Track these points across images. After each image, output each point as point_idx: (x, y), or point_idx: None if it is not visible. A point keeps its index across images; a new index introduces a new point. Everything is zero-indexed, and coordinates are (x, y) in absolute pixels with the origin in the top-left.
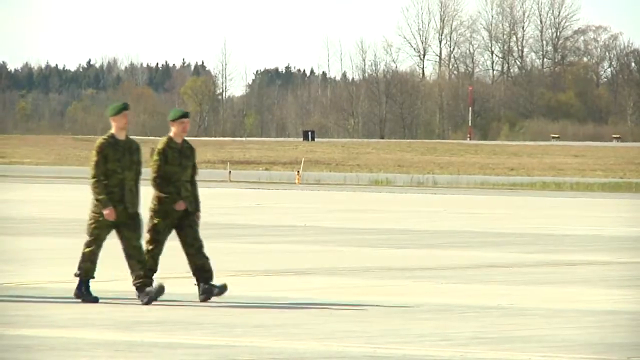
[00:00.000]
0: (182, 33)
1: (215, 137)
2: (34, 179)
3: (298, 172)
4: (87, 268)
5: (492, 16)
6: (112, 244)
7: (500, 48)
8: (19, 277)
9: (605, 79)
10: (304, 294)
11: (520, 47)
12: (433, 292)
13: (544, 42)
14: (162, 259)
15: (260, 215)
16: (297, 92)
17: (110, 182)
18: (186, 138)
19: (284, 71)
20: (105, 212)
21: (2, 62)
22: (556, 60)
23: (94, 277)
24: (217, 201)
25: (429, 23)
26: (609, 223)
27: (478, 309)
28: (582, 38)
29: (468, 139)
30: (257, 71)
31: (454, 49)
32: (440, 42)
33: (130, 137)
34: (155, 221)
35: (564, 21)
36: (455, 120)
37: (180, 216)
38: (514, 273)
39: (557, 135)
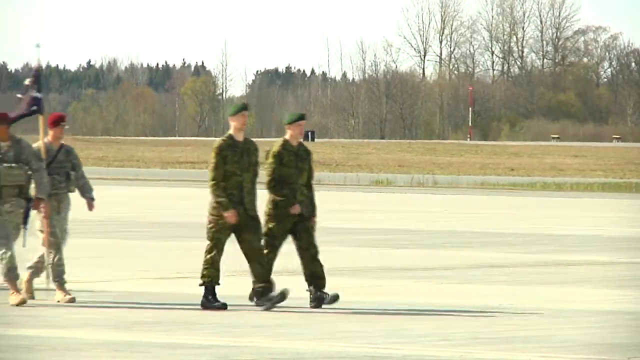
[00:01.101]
0: (182, 33)
1: (215, 137)
2: None
3: None
4: (211, 275)
5: (493, 16)
6: (111, 244)
7: (500, 48)
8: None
9: (606, 79)
10: (304, 294)
11: (520, 48)
12: (433, 292)
13: (544, 43)
14: (162, 260)
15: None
16: (297, 92)
17: (229, 184)
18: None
19: (284, 71)
20: (227, 214)
21: (2, 62)
22: (556, 60)
23: (219, 284)
24: None
25: (429, 23)
26: (609, 223)
27: (478, 309)
28: (582, 38)
29: (468, 139)
30: (257, 71)
31: (454, 49)
32: (440, 42)
33: (248, 138)
34: (271, 225)
35: (564, 21)
36: (455, 120)
37: (296, 220)
38: (514, 273)
39: (557, 136)
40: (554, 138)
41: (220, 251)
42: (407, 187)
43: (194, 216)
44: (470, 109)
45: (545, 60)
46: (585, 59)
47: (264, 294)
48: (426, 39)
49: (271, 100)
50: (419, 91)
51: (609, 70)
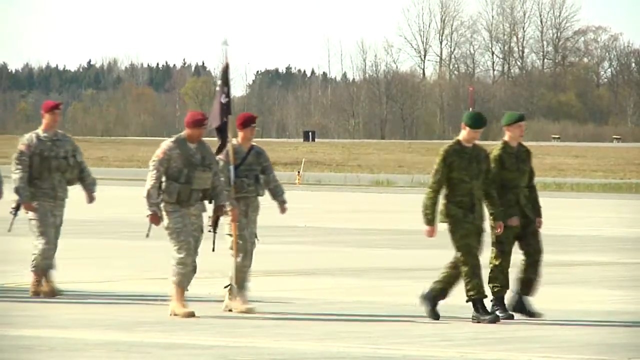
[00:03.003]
0: (183, 33)
1: (215, 137)
2: None
3: (298, 172)
4: (487, 285)
5: (493, 17)
6: (111, 245)
7: (500, 48)
8: (20, 277)
9: (606, 80)
10: (304, 294)
11: (520, 48)
12: None
13: (545, 43)
14: (163, 260)
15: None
16: (297, 92)
17: (457, 191)
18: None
19: (284, 72)
20: (427, 229)
21: (2, 63)
22: (556, 60)
23: (486, 297)
24: None
25: (429, 23)
26: (609, 223)
27: None
28: (582, 39)
29: None
30: (257, 72)
31: (454, 49)
32: (440, 42)
33: (477, 144)
34: (498, 232)
35: (564, 22)
36: (455, 120)
37: (522, 224)
38: (514, 273)
39: (557, 136)
40: (554, 138)
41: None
42: (407, 187)
43: None
44: (470, 109)
45: (545, 60)
46: (585, 59)
47: (498, 304)
48: (426, 39)
49: (271, 101)
50: (419, 91)
51: (609, 70)
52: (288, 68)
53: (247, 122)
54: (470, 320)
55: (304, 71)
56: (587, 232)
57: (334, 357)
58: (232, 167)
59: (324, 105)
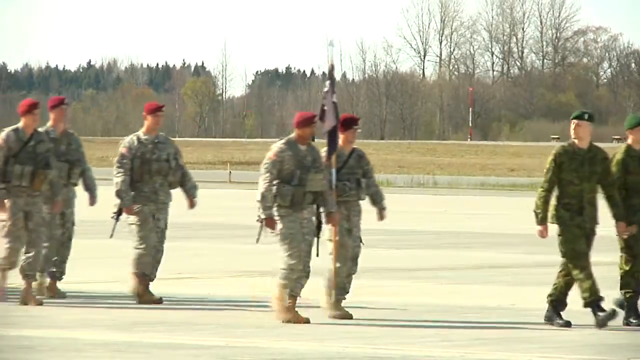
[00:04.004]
0: (182, 33)
1: (215, 137)
2: None
3: None
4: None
5: (493, 17)
6: (111, 245)
7: (500, 49)
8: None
9: (605, 80)
10: (305, 294)
11: (520, 48)
12: (433, 292)
13: (544, 43)
14: (163, 260)
15: None
16: (297, 92)
17: (566, 192)
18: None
19: (284, 72)
20: (539, 229)
21: (2, 63)
22: (556, 61)
23: (602, 299)
24: (217, 202)
25: (429, 24)
26: (609, 224)
27: (478, 309)
28: (582, 39)
29: (468, 139)
30: (257, 72)
31: (454, 49)
32: (440, 43)
33: (595, 145)
34: (625, 236)
35: (564, 22)
36: (455, 121)
37: None
38: (514, 274)
39: (557, 136)
40: (554, 138)
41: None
42: (407, 187)
43: (194, 216)
44: (470, 109)
45: (545, 60)
46: (585, 60)
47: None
48: (426, 39)
49: (271, 101)
50: (419, 92)
51: (609, 71)
52: (288, 68)
53: (349, 124)
54: (594, 325)
55: (304, 71)
56: None
57: (334, 357)
58: (333, 171)
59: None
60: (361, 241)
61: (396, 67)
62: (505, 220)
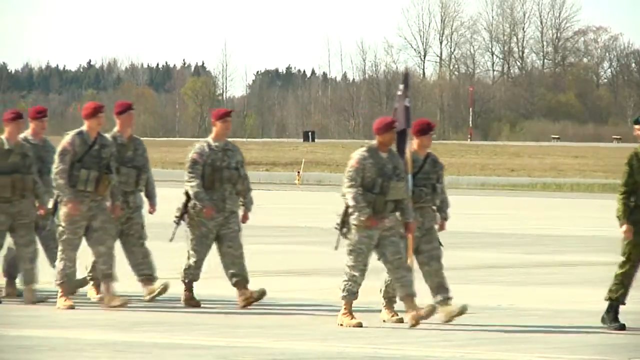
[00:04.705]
0: (183, 33)
1: None
2: None
3: (298, 172)
4: (618, 291)
5: (493, 17)
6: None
7: (500, 49)
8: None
9: (606, 80)
10: (305, 294)
11: (520, 48)
12: None
13: (545, 43)
14: (163, 260)
15: (261, 216)
16: (297, 92)
17: (637, 195)
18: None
19: (284, 72)
20: (623, 228)
21: (2, 63)
22: (556, 61)
23: (624, 303)
24: None
25: (429, 24)
26: (609, 224)
27: (478, 309)
28: (582, 39)
29: (469, 139)
30: (257, 72)
31: (454, 49)
32: (440, 42)
33: None
34: (627, 240)
35: (564, 22)
36: (455, 121)
37: None
38: (514, 273)
39: (557, 136)
40: (554, 138)
41: (633, 267)
42: None
43: None
44: (470, 109)
45: (545, 60)
46: (585, 60)
47: None
48: (426, 39)
49: (271, 101)
50: (419, 92)
51: (609, 70)
52: (288, 68)
53: (424, 130)
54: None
55: (304, 71)
56: (587, 233)
57: (334, 357)
58: (410, 176)
59: (324, 105)
60: (440, 243)
61: (396, 67)
62: (505, 220)
